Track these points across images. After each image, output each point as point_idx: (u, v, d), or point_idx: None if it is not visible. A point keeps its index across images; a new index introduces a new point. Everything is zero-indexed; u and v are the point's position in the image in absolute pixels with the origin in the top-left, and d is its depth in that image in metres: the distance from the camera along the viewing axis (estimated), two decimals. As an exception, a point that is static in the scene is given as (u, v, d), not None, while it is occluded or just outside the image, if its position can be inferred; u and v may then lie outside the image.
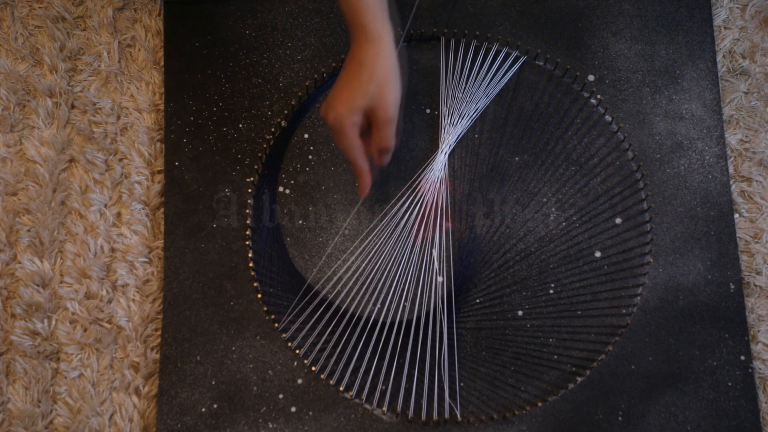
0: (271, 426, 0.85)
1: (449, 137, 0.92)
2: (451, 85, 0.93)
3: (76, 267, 0.89)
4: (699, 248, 0.89)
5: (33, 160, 0.92)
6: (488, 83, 0.93)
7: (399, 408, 0.84)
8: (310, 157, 0.92)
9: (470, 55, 0.94)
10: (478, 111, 0.93)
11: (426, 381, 0.85)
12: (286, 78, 0.94)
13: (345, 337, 0.86)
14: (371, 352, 0.86)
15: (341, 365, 0.86)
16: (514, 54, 0.94)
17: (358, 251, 0.89)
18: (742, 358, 0.86)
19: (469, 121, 0.92)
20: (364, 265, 0.89)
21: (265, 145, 0.92)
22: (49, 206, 0.91)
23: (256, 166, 0.91)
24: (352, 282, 0.89)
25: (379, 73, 0.80)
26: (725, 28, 0.96)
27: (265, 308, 0.87)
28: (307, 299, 0.88)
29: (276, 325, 0.87)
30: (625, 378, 0.86)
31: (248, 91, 0.93)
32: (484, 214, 0.91)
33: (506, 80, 0.94)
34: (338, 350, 0.86)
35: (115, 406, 0.86)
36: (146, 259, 0.90)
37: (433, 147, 0.92)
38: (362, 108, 0.79)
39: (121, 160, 0.93)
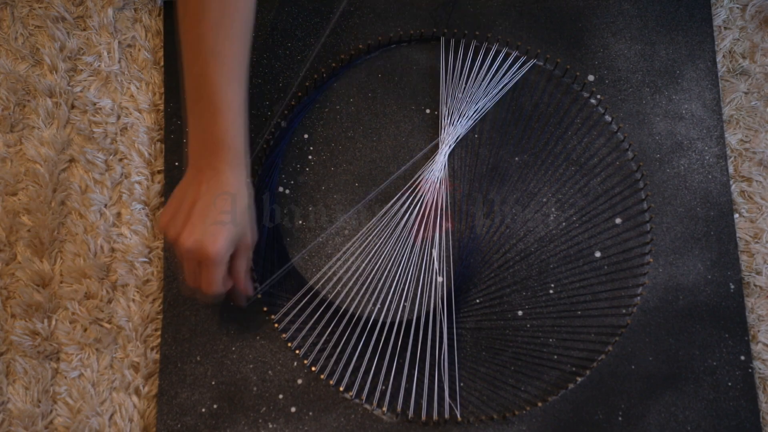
0: (271, 426, 0.85)
1: (449, 137, 0.92)
2: (451, 85, 0.93)
3: (76, 267, 0.89)
4: (699, 248, 0.89)
5: (33, 160, 0.92)
6: (488, 83, 0.93)
7: (399, 408, 0.84)
8: (310, 157, 0.92)
9: (470, 55, 0.94)
10: (481, 112, 0.93)
11: (426, 381, 0.85)
12: (286, 78, 0.94)
13: (345, 337, 0.86)
14: (371, 352, 0.86)
15: (341, 365, 0.86)
16: (514, 54, 0.94)
17: (358, 251, 0.89)
18: (742, 358, 0.86)
19: (472, 121, 0.92)
20: (364, 265, 0.89)
21: (265, 146, 0.92)
22: (49, 206, 0.91)
23: (256, 167, 0.91)
24: (352, 282, 0.89)
25: (247, 199, 0.78)
26: (725, 28, 0.96)
27: (265, 308, 0.87)
28: (307, 299, 0.88)
29: (276, 325, 0.87)
30: (625, 378, 0.86)
31: (248, 91, 0.93)
32: (484, 214, 0.91)
33: (513, 81, 0.93)
34: (338, 350, 0.86)
35: (115, 406, 0.86)
36: (146, 259, 0.90)
37: (433, 147, 0.92)
38: (235, 239, 0.77)
39: (121, 160, 0.93)
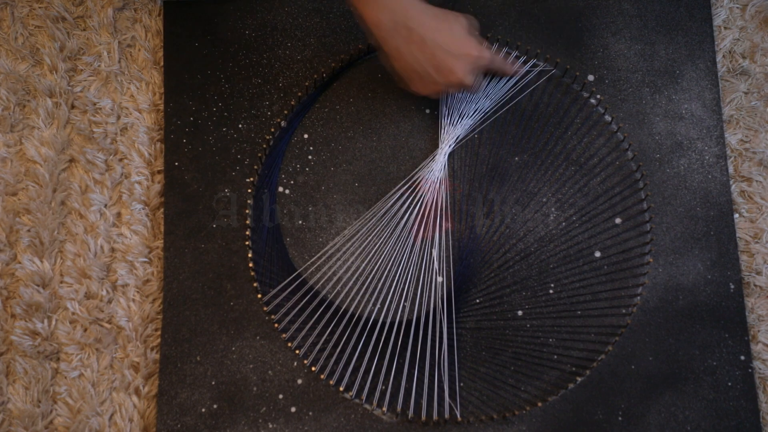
0: (271, 426, 0.85)
1: (449, 137, 0.92)
2: (451, 85, 0.93)
3: (76, 267, 0.89)
4: (699, 248, 0.89)
5: (33, 160, 0.92)
6: (488, 83, 0.93)
7: (399, 408, 0.84)
8: (310, 157, 0.92)
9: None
10: (484, 112, 0.93)
11: (426, 381, 0.85)
12: (286, 78, 0.94)
13: (345, 337, 0.87)
14: (371, 352, 0.86)
15: (341, 365, 0.86)
16: (514, 54, 0.94)
17: (358, 251, 0.89)
18: (742, 358, 0.86)
19: (474, 122, 0.92)
20: (364, 265, 0.89)
21: (265, 145, 0.92)
22: (49, 206, 0.91)
23: (256, 166, 0.91)
24: (352, 282, 0.89)
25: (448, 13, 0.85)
26: (725, 28, 0.96)
27: (265, 308, 0.87)
28: (307, 299, 0.88)
29: (276, 325, 0.87)
30: (625, 378, 0.86)
31: (248, 91, 0.93)
32: (484, 214, 0.91)
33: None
34: (338, 350, 0.86)
35: (115, 406, 0.86)
36: (146, 259, 0.90)
37: (433, 147, 0.92)
38: None
39: (121, 160, 0.93)
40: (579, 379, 0.86)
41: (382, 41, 0.82)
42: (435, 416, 0.84)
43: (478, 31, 0.89)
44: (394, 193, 0.91)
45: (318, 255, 0.89)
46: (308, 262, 0.89)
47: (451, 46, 0.83)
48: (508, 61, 0.91)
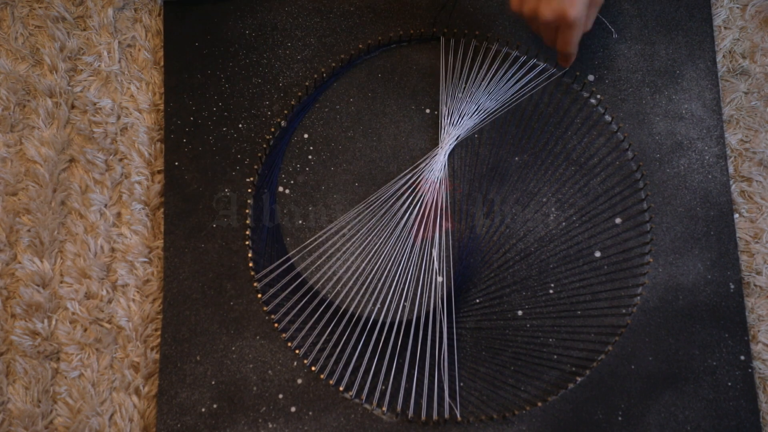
0: (271, 426, 0.85)
1: (449, 137, 0.92)
2: (451, 85, 0.93)
3: (76, 267, 0.89)
4: (699, 248, 0.89)
5: (33, 160, 0.92)
6: (488, 83, 0.93)
7: (399, 408, 0.84)
8: (310, 157, 0.92)
9: (470, 55, 0.94)
10: (486, 113, 0.93)
11: (426, 381, 0.85)
12: (286, 78, 0.94)
13: (345, 337, 0.87)
14: (371, 352, 0.86)
15: (341, 365, 0.86)
16: (514, 54, 0.94)
17: (358, 251, 0.89)
18: (742, 358, 0.86)
19: (474, 122, 0.92)
20: (364, 265, 0.89)
21: (265, 145, 0.92)
22: (49, 206, 0.91)
23: (256, 166, 0.91)
24: (352, 282, 0.89)
25: None
26: (725, 28, 0.96)
27: (264, 308, 0.87)
28: (307, 299, 0.88)
29: (276, 325, 0.87)
30: (625, 378, 0.86)
31: (248, 91, 0.93)
32: (484, 214, 0.91)
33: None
34: (338, 350, 0.86)
35: (115, 406, 0.86)
36: (146, 259, 0.90)
37: (433, 147, 0.92)
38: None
39: (121, 160, 0.93)
40: (579, 379, 0.86)
41: None
42: (435, 416, 0.84)
43: None
44: (393, 192, 0.91)
45: (312, 249, 0.89)
46: (307, 261, 0.89)
47: None
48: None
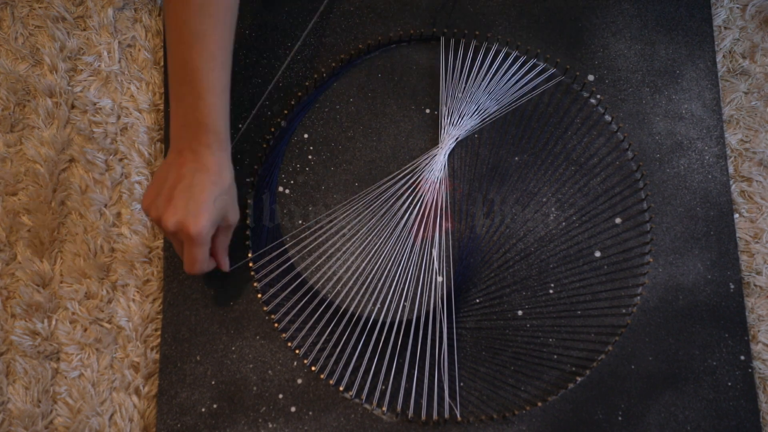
0: (271, 426, 0.85)
1: (449, 137, 0.92)
2: (451, 85, 0.93)
3: (76, 267, 0.89)
4: (699, 248, 0.89)
5: (33, 160, 0.92)
6: (488, 83, 0.93)
7: (399, 408, 0.84)
8: (310, 157, 0.92)
9: (470, 55, 0.94)
10: (487, 114, 0.93)
11: (426, 381, 0.85)
12: (286, 78, 0.94)
13: (345, 337, 0.86)
14: (371, 352, 0.86)
15: (341, 365, 0.86)
16: (514, 54, 0.94)
17: (358, 251, 0.89)
18: (742, 358, 0.86)
19: (475, 122, 0.92)
20: (364, 265, 0.89)
21: (265, 145, 0.92)
22: (49, 206, 0.91)
23: (256, 166, 0.91)
24: (352, 282, 0.89)
25: (229, 180, 0.79)
26: (725, 28, 0.96)
27: (265, 308, 0.87)
28: (307, 299, 0.88)
29: (276, 324, 0.87)
30: (625, 378, 0.86)
31: (248, 91, 0.93)
32: (484, 214, 0.91)
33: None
34: (338, 350, 0.86)
35: (115, 406, 0.86)
36: (146, 259, 0.90)
37: (433, 147, 0.92)
38: (219, 219, 0.79)
39: (121, 160, 0.93)
40: (579, 379, 0.86)
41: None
42: (435, 416, 0.84)
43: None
44: (393, 191, 0.91)
45: (312, 249, 0.89)
46: (307, 261, 0.89)
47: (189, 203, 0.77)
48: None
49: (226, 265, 0.84)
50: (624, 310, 0.88)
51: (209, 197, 0.77)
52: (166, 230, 0.78)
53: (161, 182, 0.79)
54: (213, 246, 0.82)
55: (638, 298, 0.88)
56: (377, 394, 0.85)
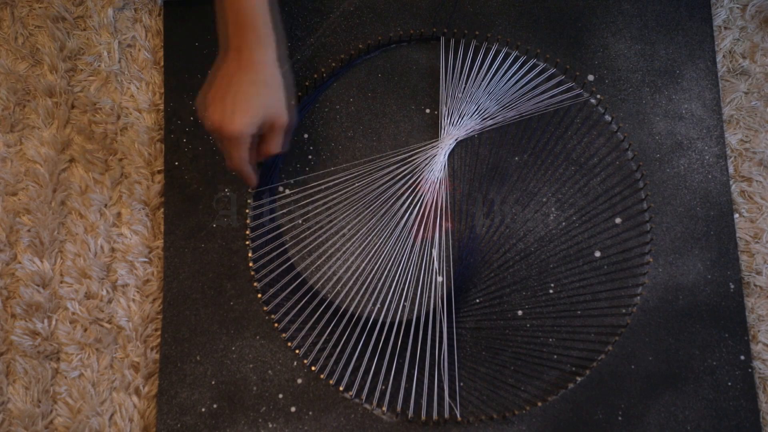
0: (270, 426, 0.85)
1: (449, 137, 0.92)
2: (451, 85, 0.93)
3: (76, 267, 0.89)
4: (699, 248, 0.89)
5: (33, 160, 0.92)
6: (488, 83, 0.93)
7: (399, 408, 0.84)
8: (310, 157, 0.92)
9: (470, 55, 0.94)
10: (489, 116, 0.93)
11: (426, 381, 0.85)
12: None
13: (345, 337, 0.87)
14: (371, 352, 0.86)
15: (341, 365, 0.86)
16: (514, 54, 0.94)
17: (358, 251, 0.89)
18: (742, 358, 0.86)
19: (476, 122, 0.92)
20: (364, 265, 0.89)
21: (265, 145, 0.92)
22: (49, 206, 0.91)
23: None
24: (352, 282, 0.89)
25: (274, 80, 0.77)
26: (725, 28, 0.96)
27: (265, 308, 0.87)
28: (307, 299, 0.88)
29: (276, 324, 0.87)
30: (625, 378, 0.86)
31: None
32: (484, 214, 0.91)
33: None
34: (338, 350, 0.86)
35: (115, 406, 0.86)
36: (146, 259, 0.90)
37: (433, 147, 0.92)
38: (262, 120, 0.77)
39: (121, 160, 0.93)
40: (579, 379, 0.86)
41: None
42: (435, 416, 0.84)
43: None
44: (394, 192, 0.91)
45: (312, 249, 0.89)
46: (307, 261, 0.89)
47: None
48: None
49: (253, 180, 0.83)
50: (624, 310, 0.88)
51: (245, 97, 0.76)
52: (207, 129, 0.79)
53: (210, 81, 0.79)
54: (260, 148, 0.81)
55: (638, 298, 0.88)
56: (377, 394, 0.85)
